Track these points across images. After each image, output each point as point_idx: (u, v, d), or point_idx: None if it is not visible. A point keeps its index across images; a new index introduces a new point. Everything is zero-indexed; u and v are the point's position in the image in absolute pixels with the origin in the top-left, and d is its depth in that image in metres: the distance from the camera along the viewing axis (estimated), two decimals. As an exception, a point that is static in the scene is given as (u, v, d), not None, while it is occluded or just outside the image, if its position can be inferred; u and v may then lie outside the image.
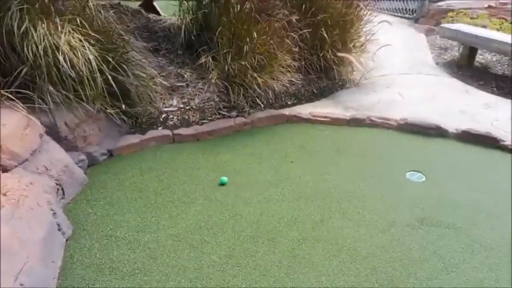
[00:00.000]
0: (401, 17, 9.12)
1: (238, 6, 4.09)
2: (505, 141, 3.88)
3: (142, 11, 5.67)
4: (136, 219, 2.79)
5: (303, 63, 4.76)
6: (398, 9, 9.35)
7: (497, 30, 6.73)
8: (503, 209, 3.02)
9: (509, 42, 5.48)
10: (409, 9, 9.09)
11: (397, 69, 5.83)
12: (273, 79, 4.24)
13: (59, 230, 2.48)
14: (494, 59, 6.37)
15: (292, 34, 4.39)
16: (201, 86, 4.30)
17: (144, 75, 3.73)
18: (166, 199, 3.02)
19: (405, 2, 9.23)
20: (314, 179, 3.33)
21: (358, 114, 4.38)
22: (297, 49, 4.50)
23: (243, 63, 4.02)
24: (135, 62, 3.71)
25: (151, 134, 3.76)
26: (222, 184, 3.24)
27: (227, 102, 4.26)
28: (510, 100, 4.94)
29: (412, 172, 3.47)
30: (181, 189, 3.15)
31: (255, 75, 4.07)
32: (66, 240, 2.55)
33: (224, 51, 4.13)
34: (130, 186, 3.14)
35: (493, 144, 3.88)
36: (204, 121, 4.07)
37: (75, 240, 2.57)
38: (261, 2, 4.22)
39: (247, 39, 4.03)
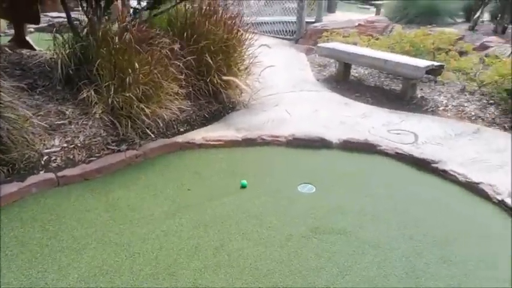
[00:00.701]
0: (282, 38, 9.70)
1: (117, 37, 4.00)
2: (381, 146, 4.29)
3: (7, 48, 5.24)
4: (20, 277, 2.51)
5: (191, 89, 4.79)
6: (280, 31, 9.95)
7: (366, 46, 7.50)
8: (384, 210, 3.31)
9: (375, 56, 6.14)
10: (289, 31, 9.73)
11: (283, 88, 6.16)
12: (162, 108, 4.20)
13: None
14: (366, 72, 7.06)
15: (176, 62, 4.40)
16: (86, 122, 4.08)
17: (16, 117, 3.42)
18: (54, 249, 2.77)
19: (285, 24, 9.86)
20: (212, 204, 3.34)
21: (250, 134, 4.51)
22: (183, 76, 4.52)
23: (128, 94, 3.92)
24: (5, 104, 3.40)
25: (31, 179, 3.43)
26: (243, 187, 3.55)
27: (115, 136, 4.09)
28: (383, 108, 5.50)
29: (303, 185, 3.66)
30: (71, 235, 2.92)
31: (142, 105, 3.98)
32: None
33: (106, 83, 3.99)
34: (10, 242, 2.82)
35: (371, 150, 4.26)
36: (91, 158, 3.85)
37: None
38: (141, 33, 4.18)
39: (129, 70, 3.94)
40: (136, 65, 3.96)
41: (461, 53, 6.94)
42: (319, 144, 4.34)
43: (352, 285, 2.53)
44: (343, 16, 11.11)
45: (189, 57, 4.64)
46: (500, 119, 5.11)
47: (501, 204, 3.37)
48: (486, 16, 10.36)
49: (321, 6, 9.91)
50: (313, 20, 9.67)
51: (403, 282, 2.57)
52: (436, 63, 5.77)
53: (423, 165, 3.94)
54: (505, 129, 4.88)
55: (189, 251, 2.79)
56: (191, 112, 4.84)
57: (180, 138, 4.37)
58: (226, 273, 2.60)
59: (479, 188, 3.56)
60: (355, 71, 7.05)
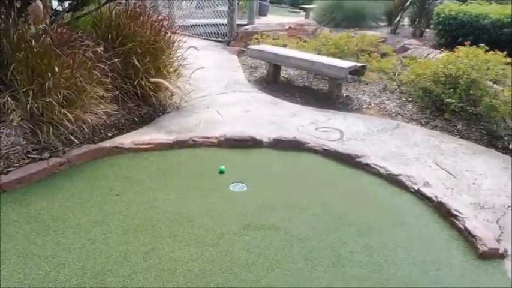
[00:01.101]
0: (214, 40, 9.73)
1: (33, 41, 3.79)
2: (309, 143, 4.44)
3: None
4: None
5: (118, 92, 4.66)
6: (212, 33, 9.97)
7: (295, 48, 7.72)
8: (312, 204, 3.44)
9: (303, 58, 6.36)
10: (221, 33, 9.78)
11: (215, 90, 6.18)
12: (86, 112, 4.04)
13: None
14: (295, 73, 7.29)
15: (100, 65, 4.26)
16: (2, 130, 3.82)
17: None
18: (-33, 267, 2.58)
19: (217, 26, 9.90)
20: (142, 209, 3.27)
21: (181, 136, 4.48)
22: (108, 79, 4.38)
23: (48, 99, 3.73)
24: None
25: None
26: (221, 172, 3.82)
27: (36, 143, 3.88)
28: (311, 107, 5.70)
29: (235, 183, 3.70)
30: (-14, 251, 2.74)
31: (64, 111, 3.81)
32: None
33: (24, 89, 3.77)
34: None
35: (300, 148, 4.40)
36: (10, 169, 3.62)
37: None
38: (61, 36, 4.00)
39: (49, 74, 3.76)
40: (56, 68, 3.78)
41: (383, 55, 7.38)
42: (250, 143, 4.41)
43: (281, 277, 2.61)
44: (275, 19, 11.37)
45: (114, 60, 4.51)
46: (418, 115, 5.51)
47: (417, 193, 3.63)
48: (406, 20, 11.13)
49: (253, 10, 10.05)
50: (245, 23, 9.79)
51: (329, 271, 2.69)
52: (359, 64, 6.10)
53: (348, 160, 4.14)
54: (421, 125, 5.27)
55: (118, 258, 2.72)
56: (119, 116, 4.71)
57: (107, 143, 4.23)
58: (156, 276, 2.57)
59: (398, 179, 3.81)
60: (285, 72, 7.25)
